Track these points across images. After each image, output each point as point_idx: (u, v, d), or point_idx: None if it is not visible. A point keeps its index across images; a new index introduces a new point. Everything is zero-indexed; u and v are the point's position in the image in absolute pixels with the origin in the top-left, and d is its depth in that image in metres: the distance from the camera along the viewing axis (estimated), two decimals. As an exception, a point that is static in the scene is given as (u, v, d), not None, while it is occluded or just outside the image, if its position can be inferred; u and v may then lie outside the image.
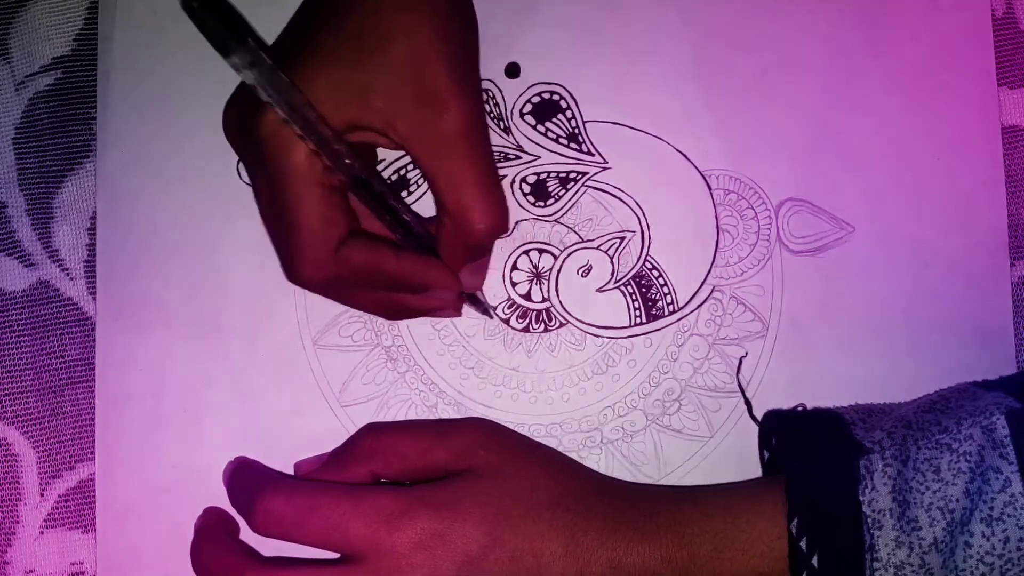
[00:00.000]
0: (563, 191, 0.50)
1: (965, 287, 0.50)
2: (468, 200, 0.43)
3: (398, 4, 0.42)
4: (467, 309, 0.50)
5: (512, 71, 0.50)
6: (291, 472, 0.48)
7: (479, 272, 0.48)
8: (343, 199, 0.44)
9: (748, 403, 0.49)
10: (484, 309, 0.50)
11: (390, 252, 0.44)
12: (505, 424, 0.49)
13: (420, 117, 0.42)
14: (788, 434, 0.46)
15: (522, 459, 0.46)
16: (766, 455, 0.48)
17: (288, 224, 0.43)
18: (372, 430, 0.47)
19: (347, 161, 0.42)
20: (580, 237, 0.50)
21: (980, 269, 0.50)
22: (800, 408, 0.48)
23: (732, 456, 0.49)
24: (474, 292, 0.49)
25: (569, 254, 0.50)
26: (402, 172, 0.50)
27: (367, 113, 0.42)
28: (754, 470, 0.49)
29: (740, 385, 0.49)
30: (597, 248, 0.50)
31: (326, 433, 0.49)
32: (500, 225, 0.44)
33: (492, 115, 0.50)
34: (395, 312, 0.48)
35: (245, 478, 0.47)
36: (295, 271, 0.44)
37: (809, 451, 0.44)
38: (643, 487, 0.47)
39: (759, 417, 0.49)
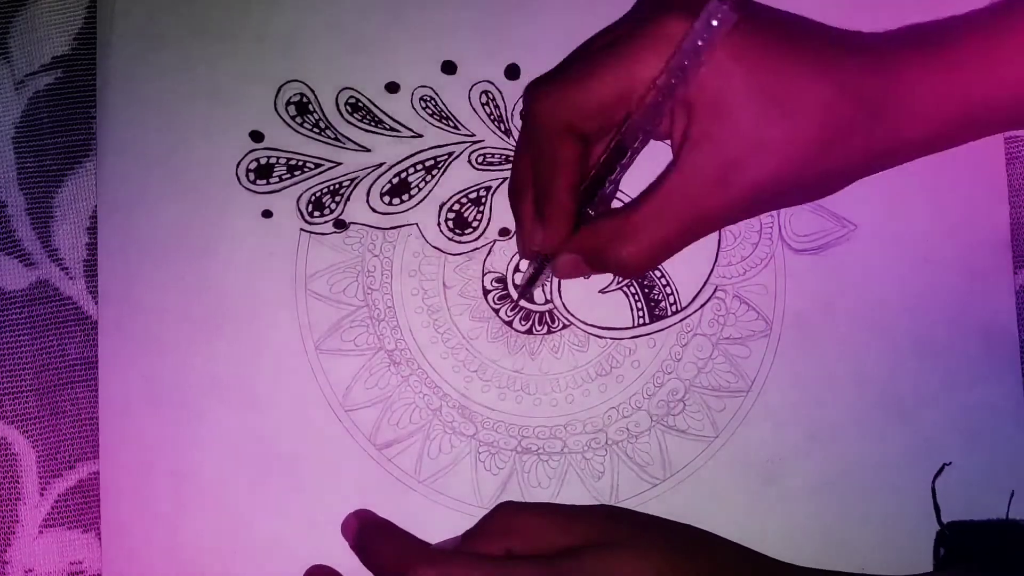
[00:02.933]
0: (564, 192, 0.50)
1: (968, 285, 0.49)
2: (646, 237, 0.43)
3: None
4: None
5: (512, 72, 0.50)
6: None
7: (576, 271, 0.47)
8: (620, 120, 0.44)
9: (937, 508, 0.48)
10: (528, 293, 0.49)
11: (574, 180, 0.44)
12: (510, 426, 0.49)
13: (713, 170, 0.42)
14: (982, 547, 0.46)
15: (659, 534, 0.46)
16: (942, 552, 0.48)
17: (585, 72, 0.43)
18: (508, 508, 0.47)
19: (652, 118, 0.43)
20: (582, 238, 0.50)
21: (982, 267, 0.50)
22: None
23: (737, 456, 0.49)
24: (554, 275, 0.48)
25: (571, 255, 0.50)
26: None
27: (709, 120, 0.42)
28: (761, 470, 0.48)
29: (933, 489, 0.48)
30: (599, 249, 0.50)
31: (329, 437, 0.49)
32: (633, 273, 0.46)
33: (492, 117, 0.50)
34: (514, 191, 0.48)
35: (388, 544, 0.47)
36: (541, 95, 0.44)
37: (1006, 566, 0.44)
38: (792, 569, 0.46)
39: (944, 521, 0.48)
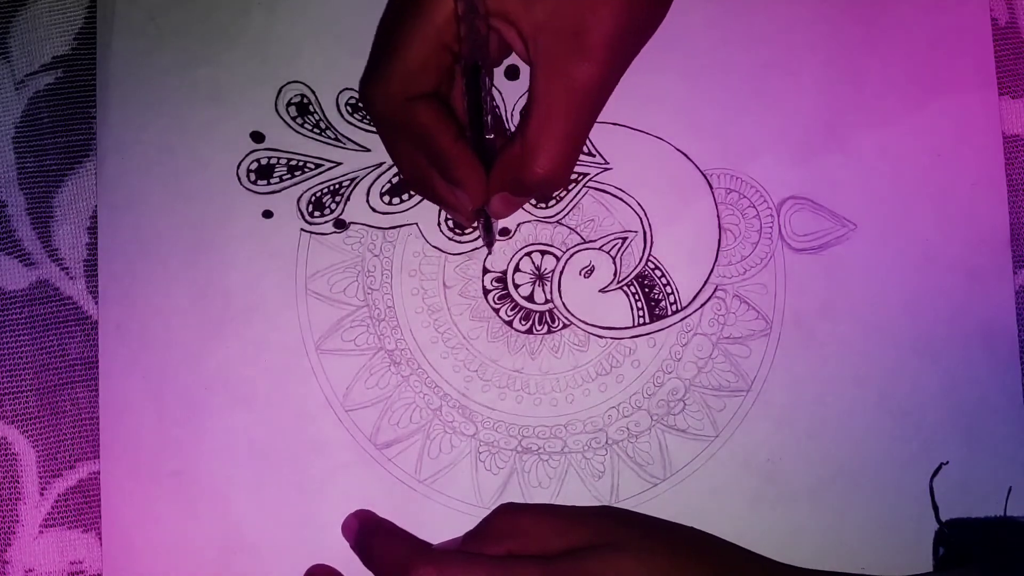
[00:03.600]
0: (564, 192, 0.50)
1: (968, 284, 0.50)
2: (547, 143, 0.43)
3: None
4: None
5: (512, 73, 0.50)
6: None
7: (511, 205, 0.47)
8: (450, 64, 0.44)
9: (935, 507, 0.48)
10: (490, 239, 0.49)
11: (451, 132, 0.44)
12: (510, 426, 0.49)
13: (562, 51, 0.42)
14: (980, 544, 0.46)
15: (661, 537, 0.46)
16: (941, 551, 0.48)
17: (391, 48, 0.43)
18: (509, 509, 0.47)
19: (479, 44, 0.43)
20: (582, 238, 0.50)
21: (982, 267, 0.50)
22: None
23: (737, 455, 0.49)
24: (494, 217, 0.48)
25: (571, 255, 0.50)
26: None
27: (526, 14, 0.43)
28: (761, 469, 0.48)
29: (931, 488, 0.48)
30: (599, 249, 0.50)
31: (330, 438, 0.49)
32: (556, 183, 0.44)
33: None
34: (418, 183, 0.47)
35: (388, 544, 0.47)
36: (368, 90, 0.45)
37: (1005, 562, 0.45)
38: (792, 570, 0.46)
39: (943, 519, 0.48)
